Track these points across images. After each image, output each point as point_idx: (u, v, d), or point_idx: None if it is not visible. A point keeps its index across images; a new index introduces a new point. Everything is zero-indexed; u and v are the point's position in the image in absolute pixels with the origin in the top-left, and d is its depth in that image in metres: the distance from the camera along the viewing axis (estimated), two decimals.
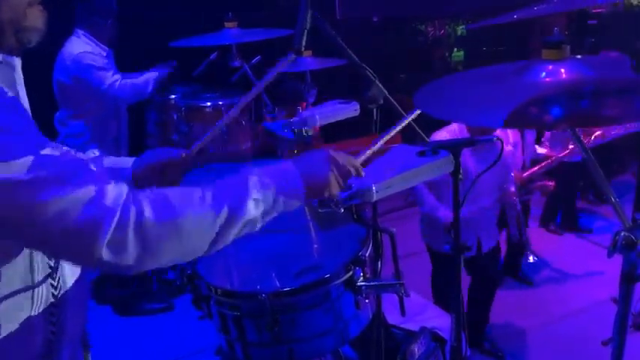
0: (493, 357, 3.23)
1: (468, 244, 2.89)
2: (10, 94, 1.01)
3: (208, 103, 3.68)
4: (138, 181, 1.46)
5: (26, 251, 1.07)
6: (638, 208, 3.36)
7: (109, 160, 1.50)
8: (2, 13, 0.99)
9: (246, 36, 3.28)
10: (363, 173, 1.27)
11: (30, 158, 0.94)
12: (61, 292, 1.17)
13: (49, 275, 1.13)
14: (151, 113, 3.96)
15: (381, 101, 1.63)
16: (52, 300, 1.14)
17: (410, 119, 1.58)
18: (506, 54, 5.35)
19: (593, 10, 5.27)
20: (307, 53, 3.19)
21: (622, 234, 1.12)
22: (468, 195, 2.78)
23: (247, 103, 3.65)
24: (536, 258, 4.00)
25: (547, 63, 1.26)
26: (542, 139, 4.22)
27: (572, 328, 3.35)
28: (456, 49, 6.36)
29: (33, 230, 0.96)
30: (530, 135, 3.66)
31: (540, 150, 3.80)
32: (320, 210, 1.32)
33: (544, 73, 1.25)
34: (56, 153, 1.00)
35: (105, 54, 3.63)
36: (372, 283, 1.33)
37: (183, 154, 1.52)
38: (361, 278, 1.32)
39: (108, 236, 0.96)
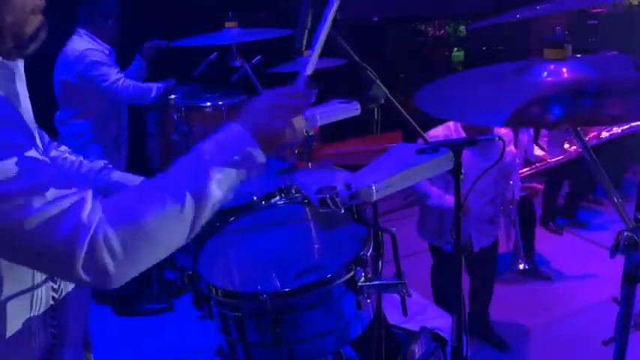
0: (496, 347, 3.24)
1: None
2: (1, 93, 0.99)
3: (208, 103, 3.68)
4: None
5: None
6: None
7: (117, 175, 1.48)
8: (5, 18, 0.99)
9: (247, 36, 3.28)
10: (309, 98, 1.21)
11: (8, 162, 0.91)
12: (62, 294, 1.16)
13: (50, 278, 1.13)
14: (150, 113, 3.96)
15: (382, 101, 1.63)
16: (52, 302, 1.14)
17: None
18: (506, 54, 5.34)
19: (593, 10, 5.26)
20: (308, 53, 3.18)
21: (625, 234, 1.12)
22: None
23: (246, 102, 3.63)
24: (526, 267, 3.97)
25: (549, 62, 1.26)
26: (540, 136, 4.23)
27: (572, 328, 3.35)
28: (456, 49, 6.36)
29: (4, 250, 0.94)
30: (525, 136, 3.66)
31: (537, 152, 3.80)
32: (320, 210, 1.31)
33: (546, 73, 1.24)
34: (38, 156, 0.96)
35: (107, 52, 3.63)
36: (373, 283, 1.32)
37: None
38: (363, 278, 1.32)
39: (82, 257, 0.93)
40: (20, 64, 1.12)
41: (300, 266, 1.38)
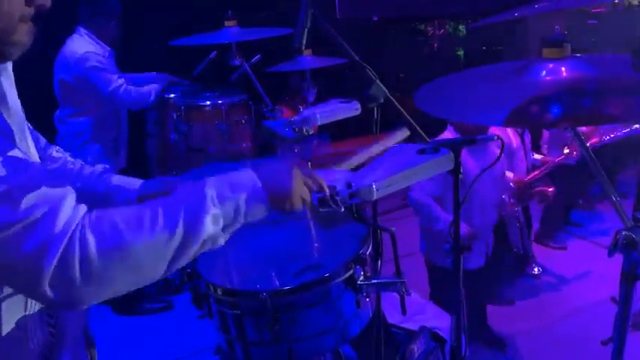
0: (494, 347, 3.23)
1: (477, 256, 2.92)
2: None
3: (208, 102, 3.68)
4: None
5: None
6: (639, 208, 3.35)
7: (117, 179, 1.46)
8: None
9: (246, 35, 3.28)
10: (327, 190, 1.20)
11: None
12: None
13: None
14: (150, 112, 3.96)
15: (382, 100, 1.63)
16: None
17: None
18: (506, 54, 5.34)
19: (593, 10, 5.26)
20: (307, 52, 3.19)
21: (623, 233, 1.12)
22: (474, 205, 2.80)
23: (246, 101, 3.63)
24: (540, 269, 3.97)
25: (548, 62, 1.26)
26: (541, 143, 4.21)
27: (572, 328, 3.35)
28: (456, 49, 6.36)
29: None
30: (526, 138, 3.64)
31: (537, 156, 3.78)
32: (320, 210, 1.31)
33: (545, 72, 1.25)
34: (19, 155, 0.91)
35: (107, 54, 3.63)
36: (372, 282, 1.32)
37: None
38: (362, 277, 1.32)
39: (50, 273, 0.87)
40: (8, 65, 1.11)
41: (300, 265, 1.38)
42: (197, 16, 4.14)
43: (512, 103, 1.17)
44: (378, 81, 1.62)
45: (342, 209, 1.27)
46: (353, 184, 1.27)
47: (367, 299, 1.37)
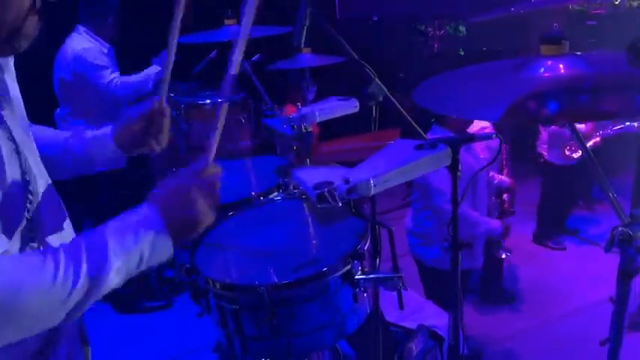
0: (503, 302, 3.36)
1: (479, 254, 2.93)
2: None
3: (208, 101, 3.67)
4: (126, 148, 1.42)
5: (16, 245, 1.03)
6: (636, 205, 3.35)
7: (91, 133, 1.44)
8: (4, 16, 0.97)
9: None
10: (219, 170, 1.14)
11: None
12: None
13: None
14: None
15: (381, 99, 1.63)
16: None
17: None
18: (505, 54, 5.34)
19: (593, 11, 5.27)
20: (307, 50, 3.20)
21: (619, 229, 1.12)
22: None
23: (245, 100, 3.61)
24: (508, 254, 3.85)
25: (546, 59, 1.26)
26: (539, 143, 4.21)
27: (571, 328, 3.35)
28: (457, 50, 6.36)
29: None
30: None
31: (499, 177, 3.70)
32: (319, 205, 1.32)
33: (543, 69, 1.25)
34: None
35: (106, 51, 3.64)
36: (370, 277, 1.33)
37: (155, 102, 1.44)
38: (359, 271, 1.32)
39: None
40: (10, 60, 1.12)
41: (298, 261, 1.38)
42: (197, 15, 4.13)
43: (509, 100, 1.18)
44: (376, 79, 1.62)
45: (340, 204, 1.27)
46: (351, 180, 1.27)
47: (365, 294, 1.37)
